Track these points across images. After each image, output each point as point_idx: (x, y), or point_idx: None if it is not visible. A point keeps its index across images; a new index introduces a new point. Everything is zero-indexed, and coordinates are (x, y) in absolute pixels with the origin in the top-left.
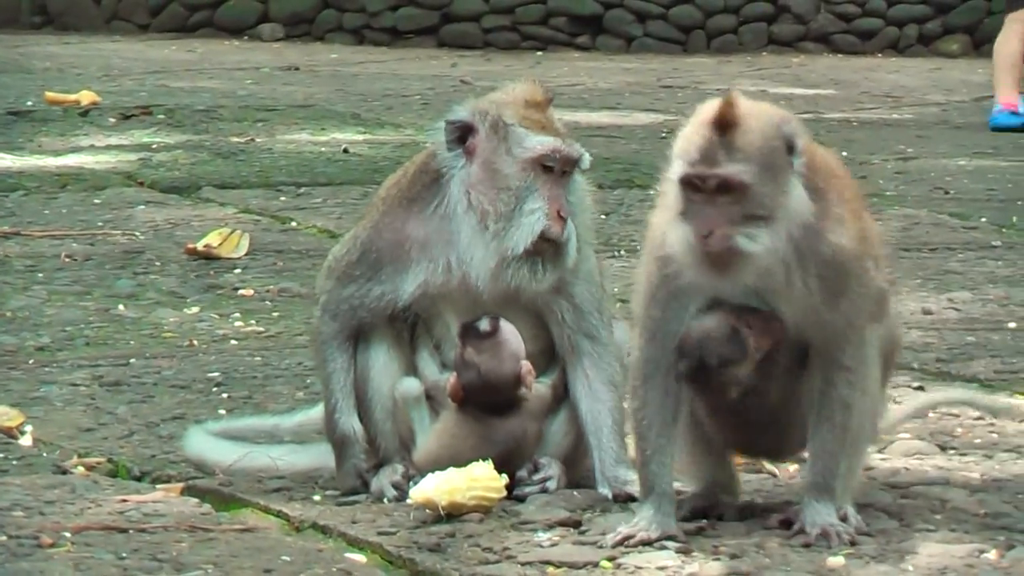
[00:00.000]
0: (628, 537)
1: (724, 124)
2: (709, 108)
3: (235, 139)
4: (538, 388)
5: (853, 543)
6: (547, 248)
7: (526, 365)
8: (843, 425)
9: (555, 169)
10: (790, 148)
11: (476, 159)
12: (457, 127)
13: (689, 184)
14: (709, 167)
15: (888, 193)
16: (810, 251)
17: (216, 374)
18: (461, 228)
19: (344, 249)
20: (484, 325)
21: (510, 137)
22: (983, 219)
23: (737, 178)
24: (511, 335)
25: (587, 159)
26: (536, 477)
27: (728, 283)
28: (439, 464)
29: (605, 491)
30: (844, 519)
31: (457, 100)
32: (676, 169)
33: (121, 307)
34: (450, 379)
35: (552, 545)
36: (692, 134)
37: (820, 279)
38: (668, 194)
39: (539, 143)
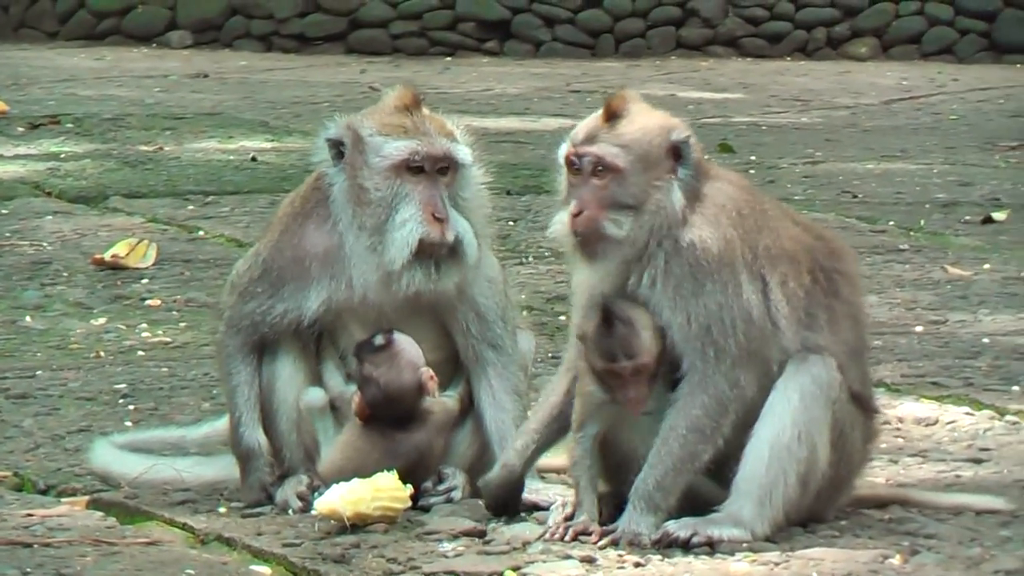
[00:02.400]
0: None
1: (611, 113)
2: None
3: (143, 148)
4: (444, 401)
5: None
6: (436, 250)
7: (427, 372)
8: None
9: (426, 170)
10: (676, 154)
11: (349, 174)
12: (333, 143)
13: (569, 164)
14: (587, 146)
15: (796, 197)
16: (672, 246)
17: (123, 385)
18: (347, 243)
19: (246, 265)
20: (378, 339)
21: (367, 148)
22: (891, 223)
23: (611, 159)
24: (407, 345)
25: (464, 154)
26: (441, 487)
27: (596, 268)
28: (344, 475)
29: None
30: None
31: (366, 107)
32: (561, 150)
33: (28, 318)
34: (355, 397)
35: (457, 555)
36: (583, 122)
37: (675, 276)
38: (560, 182)
39: (396, 148)
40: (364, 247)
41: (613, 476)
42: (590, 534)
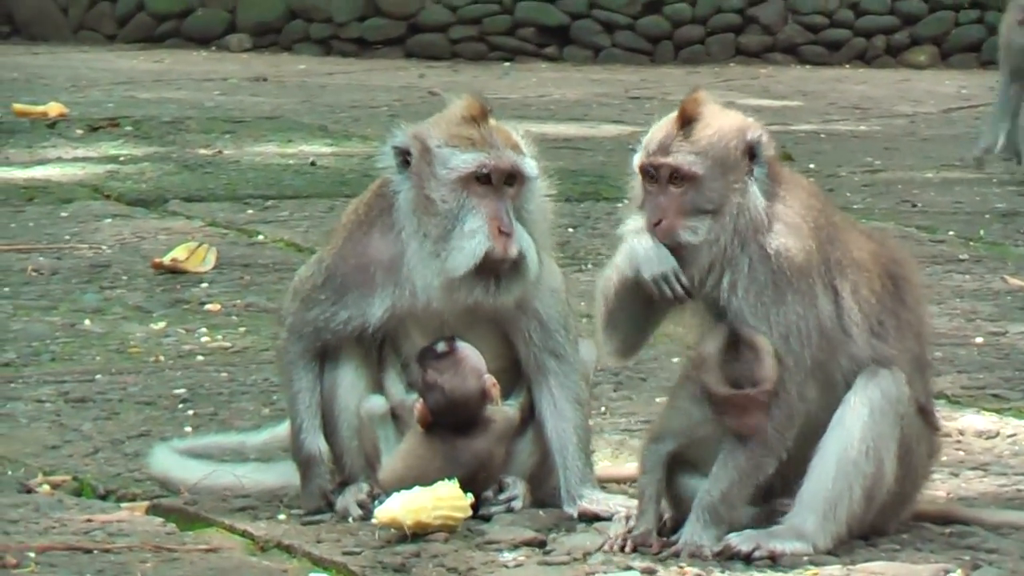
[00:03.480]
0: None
1: (685, 118)
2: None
3: (202, 151)
4: (505, 410)
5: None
6: (499, 265)
7: (490, 379)
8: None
9: (493, 183)
10: (751, 154)
11: (415, 184)
12: (399, 151)
13: (645, 173)
14: (663, 156)
15: (855, 206)
16: (758, 252)
17: (182, 390)
18: (410, 252)
19: (309, 272)
20: (441, 346)
21: (435, 160)
22: (950, 232)
23: (687, 168)
24: (469, 352)
25: (531, 167)
26: (502, 496)
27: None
28: (404, 484)
29: (571, 510)
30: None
31: (425, 112)
32: (636, 159)
33: (87, 322)
34: (417, 405)
35: (517, 565)
36: (656, 128)
37: (758, 283)
38: (634, 187)
39: (463, 161)
40: (427, 253)
41: (678, 490)
42: (650, 545)
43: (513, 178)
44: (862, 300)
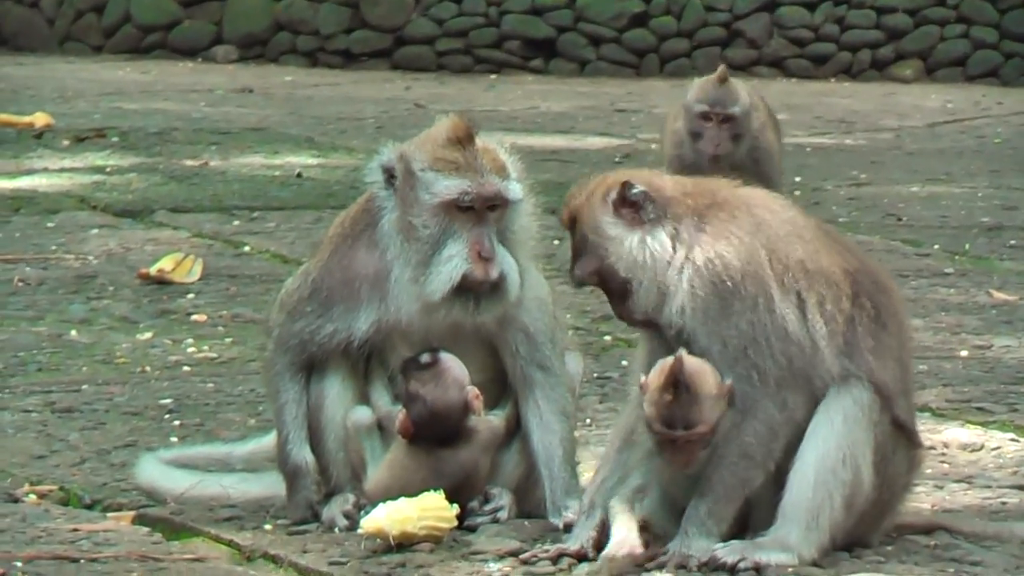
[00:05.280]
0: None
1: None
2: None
3: (189, 162)
4: (490, 421)
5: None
6: (479, 287)
7: (472, 391)
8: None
9: (476, 209)
10: (629, 205)
11: (399, 204)
12: (385, 170)
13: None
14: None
15: (841, 220)
16: (691, 269)
17: (168, 400)
18: (393, 270)
19: (296, 284)
20: (424, 358)
21: (418, 184)
22: (936, 246)
23: (587, 275)
24: (453, 363)
25: (515, 191)
26: (487, 507)
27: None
28: (390, 494)
29: (556, 521)
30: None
31: (411, 124)
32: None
33: (74, 332)
34: (399, 415)
35: None
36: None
37: (701, 299)
38: None
39: (445, 188)
40: (408, 278)
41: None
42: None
43: (496, 203)
44: (828, 316)
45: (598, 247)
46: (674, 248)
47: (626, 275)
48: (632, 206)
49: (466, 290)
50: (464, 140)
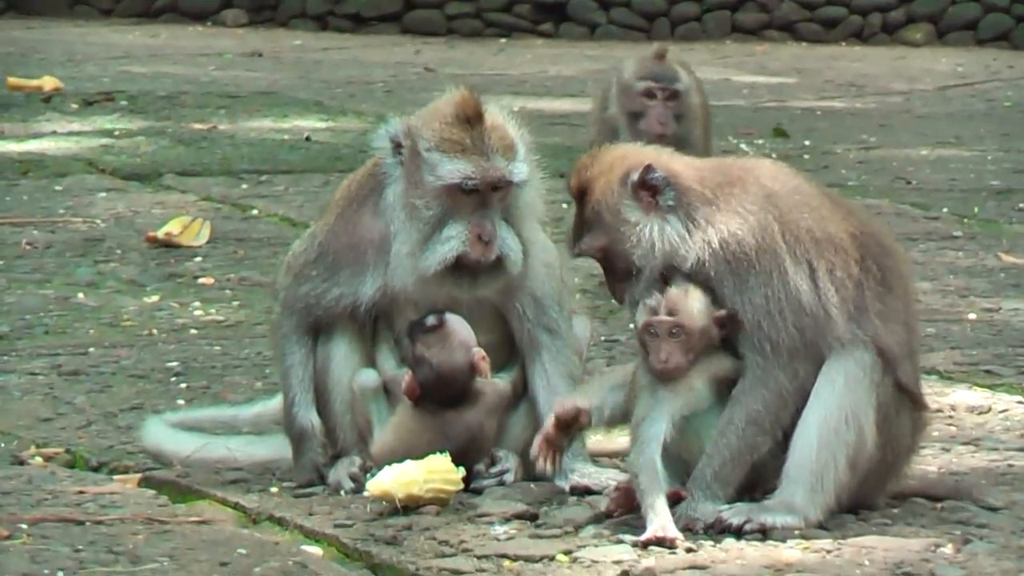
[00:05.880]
0: None
1: (575, 195)
2: None
3: (197, 126)
4: (496, 383)
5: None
6: (476, 265)
7: (479, 352)
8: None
9: (480, 191)
10: (648, 188)
11: (404, 178)
12: (393, 141)
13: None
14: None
15: (850, 183)
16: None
17: (175, 364)
18: (395, 239)
19: (303, 247)
20: (430, 320)
21: (423, 164)
22: (944, 209)
23: (592, 250)
24: (459, 325)
25: (520, 173)
26: (493, 470)
27: None
28: (396, 457)
29: (562, 483)
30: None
31: (420, 88)
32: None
33: (81, 295)
34: (405, 378)
35: (509, 538)
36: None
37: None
38: None
39: (449, 171)
40: (405, 253)
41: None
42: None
43: (501, 186)
44: (838, 283)
45: (610, 227)
46: (689, 233)
47: (635, 260)
48: (651, 190)
49: (463, 268)
50: (472, 119)
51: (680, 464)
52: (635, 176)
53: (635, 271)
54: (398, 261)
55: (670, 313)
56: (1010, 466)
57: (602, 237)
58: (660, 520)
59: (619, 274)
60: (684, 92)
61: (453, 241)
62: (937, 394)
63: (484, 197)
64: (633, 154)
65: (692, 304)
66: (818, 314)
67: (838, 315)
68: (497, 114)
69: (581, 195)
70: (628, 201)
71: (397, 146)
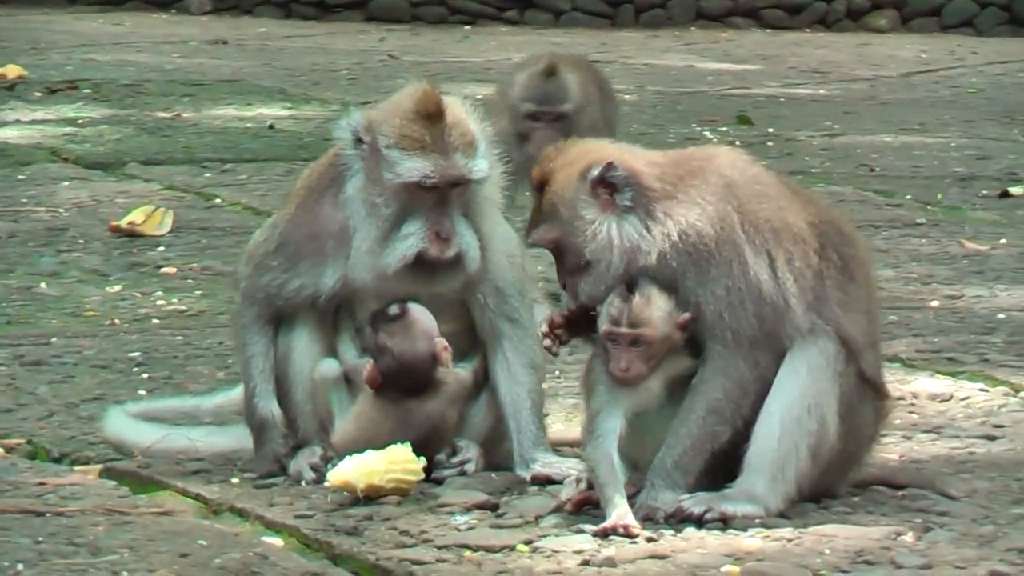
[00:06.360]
0: None
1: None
2: None
3: (161, 114)
4: (458, 373)
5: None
6: (435, 262)
7: (441, 342)
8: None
9: (439, 188)
10: (606, 186)
11: (363, 173)
12: (353, 132)
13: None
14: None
15: (814, 170)
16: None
17: (137, 354)
18: (355, 234)
19: (263, 237)
20: (393, 309)
21: (383, 161)
22: (908, 196)
23: (545, 241)
24: (421, 315)
25: (480, 170)
26: (455, 460)
27: None
28: (357, 447)
29: (523, 473)
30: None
31: (385, 76)
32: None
33: (43, 285)
34: (367, 366)
35: (469, 528)
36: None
37: (680, 267)
38: None
39: (410, 169)
40: (364, 250)
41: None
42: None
43: (460, 183)
44: (796, 272)
45: (564, 221)
46: (648, 229)
47: (586, 256)
48: (609, 188)
49: (422, 265)
50: (433, 115)
51: (627, 460)
52: (595, 172)
53: (586, 265)
54: (358, 257)
55: (632, 325)
56: (971, 454)
57: (556, 229)
58: (619, 511)
59: (569, 267)
60: (572, 113)
61: (412, 239)
62: (899, 382)
63: (443, 194)
64: (597, 150)
65: (655, 314)
66: (778, 304)
67: (797, 304)
68: (458, 108)
69: (541, 186)
70: (585, 197)
71: (358, 140)
